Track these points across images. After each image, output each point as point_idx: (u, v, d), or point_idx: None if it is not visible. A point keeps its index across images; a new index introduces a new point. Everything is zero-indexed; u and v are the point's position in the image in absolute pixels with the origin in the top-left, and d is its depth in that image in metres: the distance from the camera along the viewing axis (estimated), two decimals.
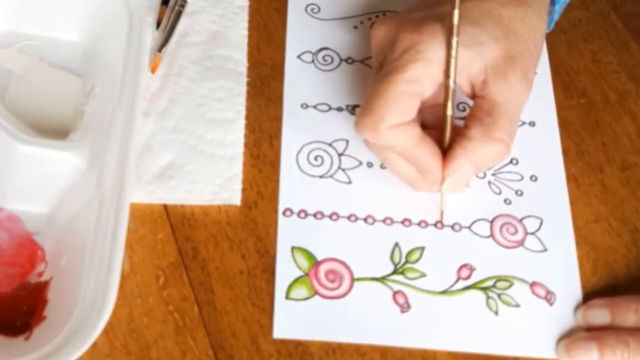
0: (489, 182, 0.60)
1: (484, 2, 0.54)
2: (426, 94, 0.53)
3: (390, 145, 0.54)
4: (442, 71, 0.53)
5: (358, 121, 0.54)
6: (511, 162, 0.60)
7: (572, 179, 0.60)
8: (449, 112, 0.54)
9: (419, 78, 0.52)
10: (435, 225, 0.57)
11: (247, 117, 0.61)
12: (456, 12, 0.52)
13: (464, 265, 0.56)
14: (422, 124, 0.56)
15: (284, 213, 0.57)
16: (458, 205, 0.57)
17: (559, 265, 0.57)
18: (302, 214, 0.57)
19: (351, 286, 0.55)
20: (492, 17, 0.54)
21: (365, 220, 0.57)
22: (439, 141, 0.54)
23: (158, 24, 0.63)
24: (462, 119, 0.55)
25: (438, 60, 0.52)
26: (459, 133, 0.54)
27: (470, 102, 0.55)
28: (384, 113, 0.52)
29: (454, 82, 0.53)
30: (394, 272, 0.55)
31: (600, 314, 0.54)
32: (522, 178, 0.60)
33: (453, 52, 0.52)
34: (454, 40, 0.52)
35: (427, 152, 0.54)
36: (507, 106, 0.53)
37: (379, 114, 0.52)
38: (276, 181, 0.58)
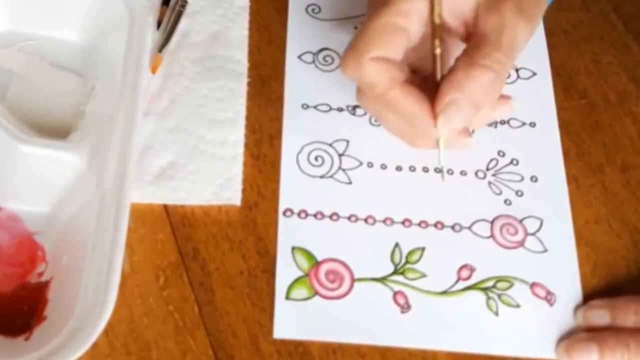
0: (489, 183, 0.60)
1: None
2: (413, 31, 0.52)
3: (371, 84, 0.52)
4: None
5: (342, 58, 0.53)
6: (511, 162, 0.60)
7: (573, 179, 0.60)
8: (437, 50, 0.52)
9: (406, 12, 0.51)
10: (435, 225, 0.57)
11: (248, 118, 0.61)
12: None
13: (464, 266, 0.56)
14: (421, 82, 0.54)
15: (284, 213, 0.57)
16: (458, 201, 0.57)
17: (559, 265, 0.57)
18: (303, 214, 0.57)
19: (351, 286, 0.55)
20: None
21: (365, 220, 0.57)
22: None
23: (159, 24, 0.63)
24: None
25: None
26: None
27: None
28: (367, 44, 0.51)
29: (439, 16, 0.52)
30: (394, 272, 0.55)
31: (600, 315, 0.54)
32: (522, 179, 0.60)
33: None
34: None
35: (410, 96, 0.52)
36: (497, 36, 0.51)
37: (361, 46, 0.52)
38: (276, 181, 0.58)
